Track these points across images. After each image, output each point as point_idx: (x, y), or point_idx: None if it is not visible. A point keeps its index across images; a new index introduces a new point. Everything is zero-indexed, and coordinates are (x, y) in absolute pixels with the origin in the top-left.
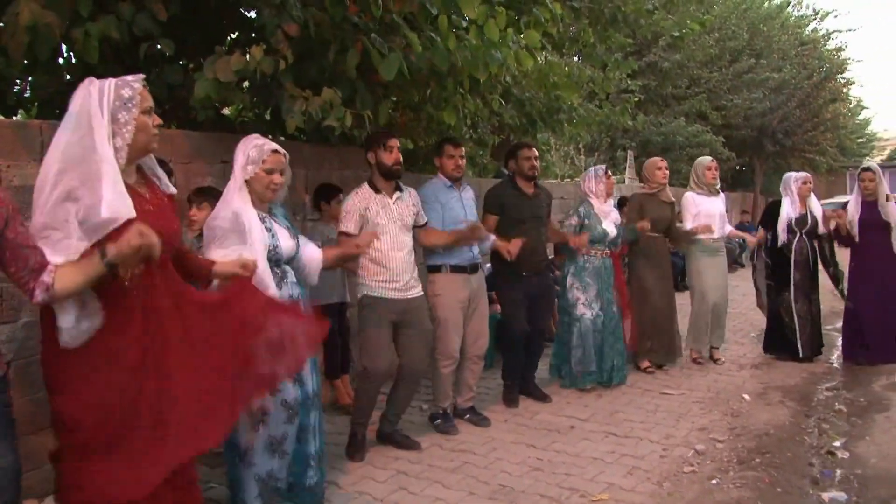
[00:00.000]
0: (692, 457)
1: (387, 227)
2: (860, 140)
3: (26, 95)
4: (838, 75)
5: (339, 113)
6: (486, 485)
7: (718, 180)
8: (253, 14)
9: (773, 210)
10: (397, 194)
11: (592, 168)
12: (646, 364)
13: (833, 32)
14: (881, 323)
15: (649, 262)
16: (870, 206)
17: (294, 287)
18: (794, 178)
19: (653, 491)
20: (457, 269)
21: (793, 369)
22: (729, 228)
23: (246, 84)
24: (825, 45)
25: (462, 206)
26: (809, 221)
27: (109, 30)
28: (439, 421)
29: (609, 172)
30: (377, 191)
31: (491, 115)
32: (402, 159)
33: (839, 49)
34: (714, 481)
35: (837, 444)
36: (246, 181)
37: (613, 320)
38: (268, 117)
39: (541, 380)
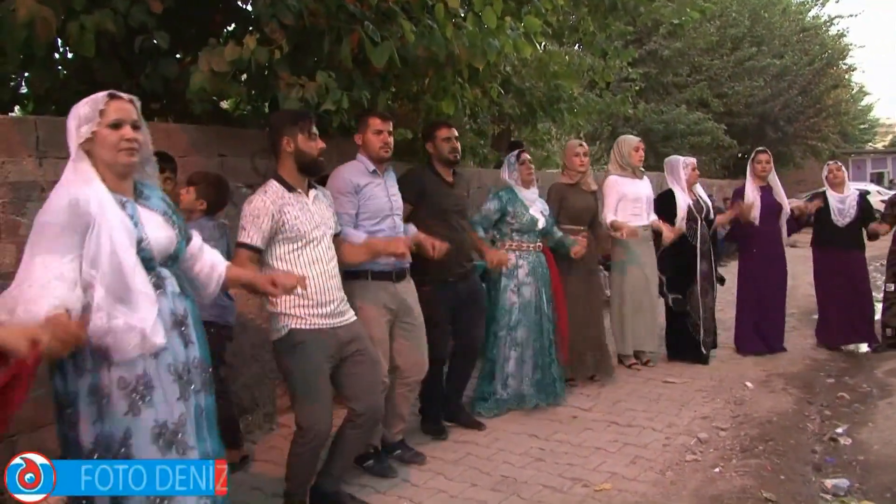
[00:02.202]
0: (695, 445)
1: (310, 237)
2: (862, 126)
3: (22, 91)
4: (840, 61)
5: (336, 96)
6: (489, 476)
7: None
8: (249, 7)
9: (665, 200)
10: (313, 192)
11: (507, 157)
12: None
13: (835, 18)
14: (770, 313)
15: (575, 262)
16: (765, 192)
17: (177, 300)
18: (682, 164)
19: (655, 480)
20: (378, 275)
21: (795, 356)
22: (654, 217)
23: (243, 77)
24: (827, 31)
25: (387, 194)
26: (704, 207)
27: (105, 23)
28: (371, 462)
29: (523, 157)
30: (290, 189)
31: (490, 104)
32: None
33: (841, 35)
34: (717, 469)
35: (840, 430)
36: (87, 152)
37: (550, 327)
38: (266, 110)
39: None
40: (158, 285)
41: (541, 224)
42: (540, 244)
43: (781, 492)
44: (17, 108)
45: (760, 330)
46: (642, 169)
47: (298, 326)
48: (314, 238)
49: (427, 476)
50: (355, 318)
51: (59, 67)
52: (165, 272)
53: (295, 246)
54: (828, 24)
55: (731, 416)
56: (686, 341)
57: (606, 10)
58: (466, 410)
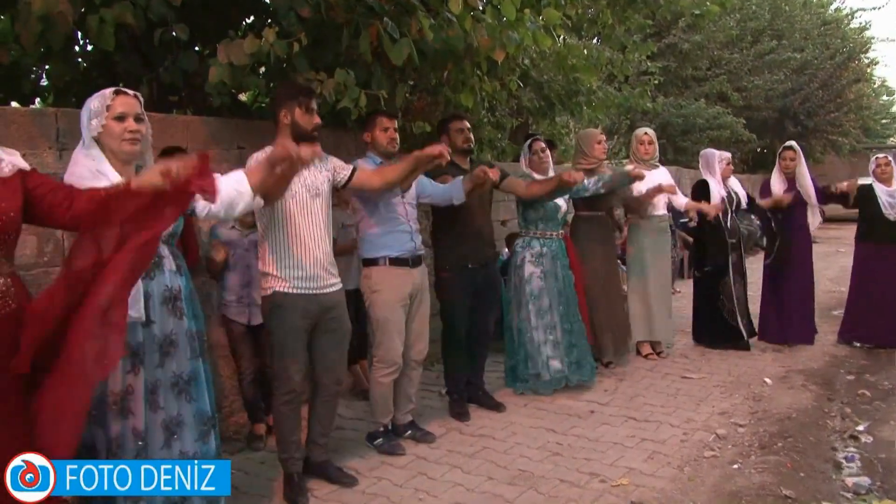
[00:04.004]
0: (713, 441)
1: (298, 197)
2: (884, 121)
3: (43, 84)
4: (862, 55)
5: (354, 93)
6: (506, 469)
7: (657, 154)
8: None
9: (700, 191)
10: None
11: (522, 147)
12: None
13: (857, 11)
14: (800, 303)
15: (595, 244)
16: (793, 185)
17: (174, 277)
18: (717, 158)
19: (673, 475)
20: (396, 261)
21: (814, 353)
22: (684, 200)
23: (262, 70)
24: (848, 24)
25: (399, 190)
26: (735, 200)
27: (124, 16)
28: (380, 440)
29: (539, 146)
30: None
31: (509, 97)
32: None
33: (863, 28)
34: (735, 466)
35: (861, 428)
36: (96, 141)
37: (572, 308)
38: None
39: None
40: (157, 263)
41: (563, 210)
42: (562, 231)
43: (801, 489)
44: (37, 100)
45: (786, 322)
46: (654, 162)
47: (282, 289)
48: (303, 197)
49: (444, 469)
50: (340, 287)
51: (79, 60)
52: (164, 251)
53: (284, 204)
54: (850, 17)
55: (750, 413)
56: (722, 329)
57: (626, 3)
58: (487, 393)
